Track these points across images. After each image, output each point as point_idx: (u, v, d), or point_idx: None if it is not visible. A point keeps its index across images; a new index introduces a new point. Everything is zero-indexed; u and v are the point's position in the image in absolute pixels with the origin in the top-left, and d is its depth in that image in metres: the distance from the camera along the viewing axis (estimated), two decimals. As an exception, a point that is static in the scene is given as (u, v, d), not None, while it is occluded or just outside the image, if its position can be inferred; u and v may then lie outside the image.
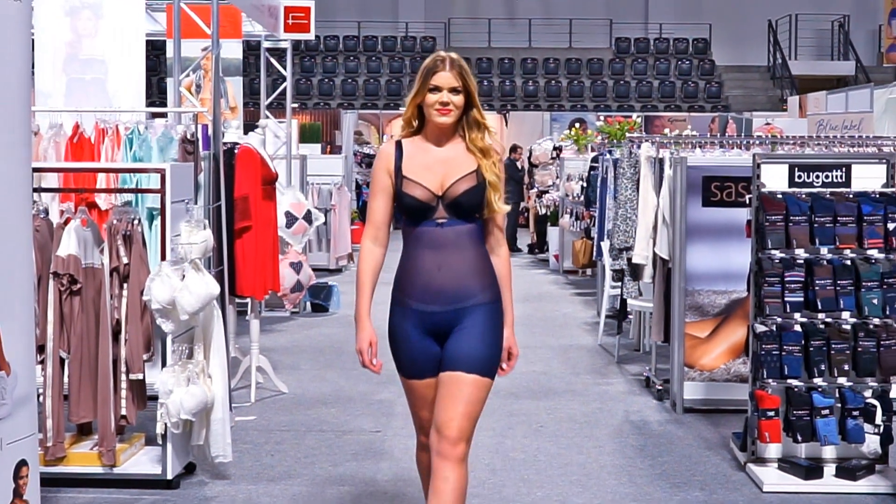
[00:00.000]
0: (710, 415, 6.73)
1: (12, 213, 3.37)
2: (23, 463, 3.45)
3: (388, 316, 3.79)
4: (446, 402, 3.66)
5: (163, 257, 5.16)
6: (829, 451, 5.47)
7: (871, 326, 5.39)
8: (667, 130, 11.19)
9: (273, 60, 11.18)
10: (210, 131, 6.54)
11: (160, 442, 5.21)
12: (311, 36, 10.52)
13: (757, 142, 8.04)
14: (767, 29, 25.80)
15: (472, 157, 3.73)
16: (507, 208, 3.84)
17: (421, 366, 3.77)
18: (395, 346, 3.82)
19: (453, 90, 3.68)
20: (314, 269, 8.89)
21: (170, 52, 7.55)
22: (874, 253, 5.40)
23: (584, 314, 10.89)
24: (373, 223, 3.84)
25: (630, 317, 8.89)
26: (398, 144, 3.80)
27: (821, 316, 5.42)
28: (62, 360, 5.13)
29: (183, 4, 7.11)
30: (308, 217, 8.25)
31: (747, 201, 6.13)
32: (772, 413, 5.39)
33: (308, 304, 10.74)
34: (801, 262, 5.42)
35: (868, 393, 5.38)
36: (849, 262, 5.40)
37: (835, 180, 5.55)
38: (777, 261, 5.43)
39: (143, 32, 7.10)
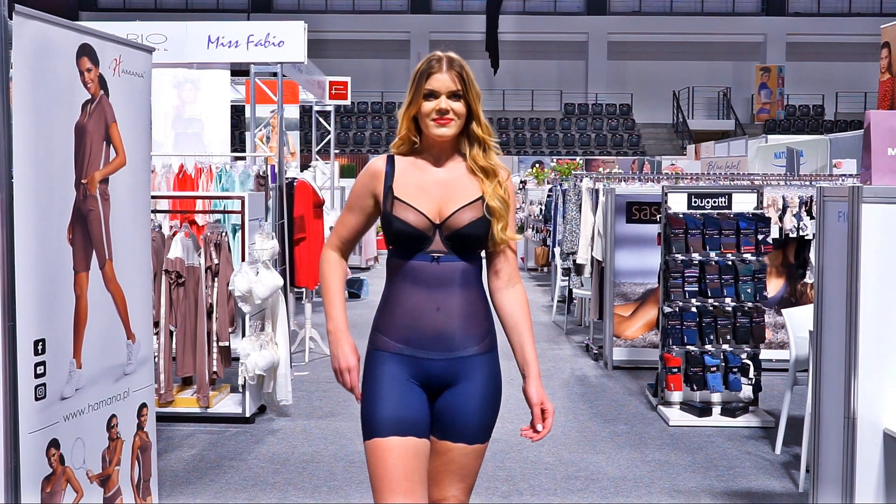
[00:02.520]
0: (632, 371, 6.73)
1: (136, 228, 3.38)
2: (143, 405, 3.45)
3: (365, 364, 2.35)
4: (442, 477, 2.34)
5: (242, 259, 5.17)
6: (716, 397, 5.47)
7: (746, 308, 5.40)
8: (601, 169, 11.19)
9: (321, 119, 11.20)
10: (276, 170, 6.55)
11: (241, 390, 5.22)
12: (347, 101, 10.55)
13: (665, 177, 8.05)
14: (672, 96, 25.85)
15: (474, 178, 2.31)
16: (518, 237, 2.39)
17: (408, 419, 2.24)
18: (373, 396, 2.27)
19: (453, 95, 2.26)
20: (350, 268, 8.89)
21: (248, 113, 7.57)
22: (748, 256, 5.42)
23: (542, 299, 10.89)
24: (339, 235, 2.43)
25: (574, 301, 8.90)
26: (390, 160, 2.34)
27: (710, 300, 5.44)
28: (171, 332, 5.14)
29: (257, 80, 7.13)
30: (346, 230, 8.25)
31: (658, 219, 6.15)
32: (675, 370, 5.41)
33: (346, 292, 10.72)
34: (696, 262, 5.43)
35: (744, 356, 5.39)
36: (730, 263, 5.42)
37: (720, 204, 5.57)
38: (679, 262, 5.44)
39: (229, 99, 7.12)
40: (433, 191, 2.30)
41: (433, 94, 2.27)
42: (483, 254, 2.38)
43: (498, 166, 2.34)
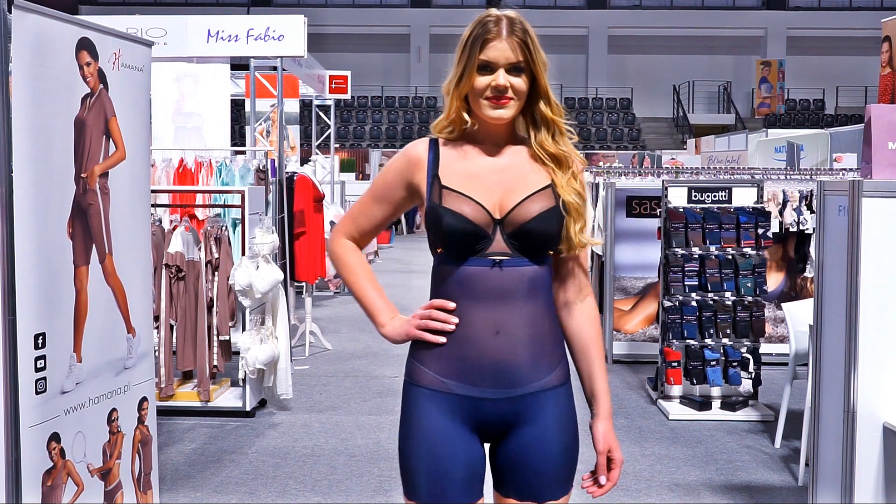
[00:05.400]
0: (632, 365, 6.74)
1: (136, 221, 3.38)
2: (144, 399, 3.46)
3: (403, 403, 1.89)
4: None
5: (243, 253, 5.17)
6: (716, 391, 5.48)
7: (746, 302, 5.41)
8: (601, 163, 11.18)
9: (321, 113, 11.18)
10: (276, 164, 6.54)
11: (241, 384, 5.22)
12: (347, 96, 10.54)
13: (665, 171, 8.04)
14: (672, 91, 25.82)
15: (540, 167, 1.82)
16: (598, 242, 1.75)
17: (455, 479, 1.76)
18: (411, 449, 1.81)
19: (514, 68, 1.76)
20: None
21: (248, 108, 7.56)
22: (748, 250, 5.42)
23: (542, 294, 10.88)
24: (358, 226, 1.96)
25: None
26: (433, 144, 1.85)
27: (710, 295, 5.44)
28: (171, 326, 5.15)
29: (257, 74, 7.12)
30: (346, 225, 8.26)
31: (658, 214, 6.14)
32: (675, 364, 5.42)
33: (346, 287, 10.71)
34: (696, 256, 5.43)
35: (744, 350, 5.40)
36: (730, 257, 5.42)
37: (720, 199, 5.57)
38: (679, 256, 5.44)
39: (229, 94, 7.10)
40: (489, 178, 1.79)
41: (488, 67, 1.76)
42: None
43: (572, 154, 1.84)
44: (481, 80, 1.76)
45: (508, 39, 1.75)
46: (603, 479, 1.84)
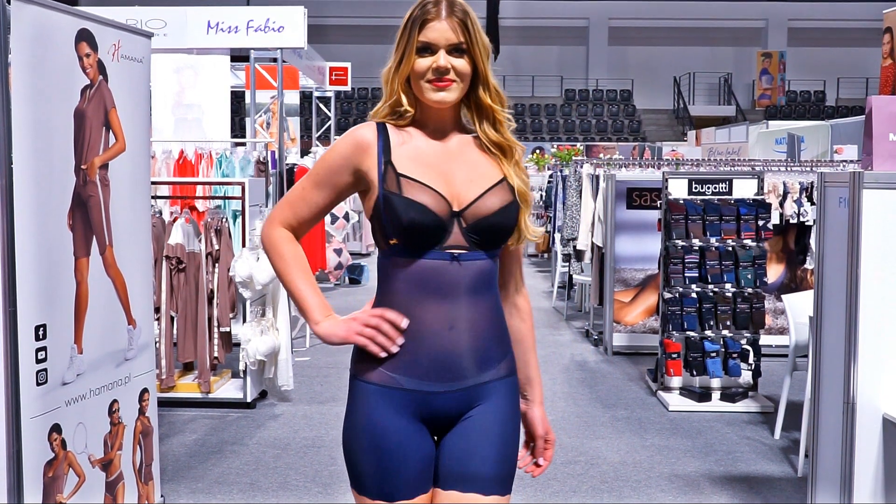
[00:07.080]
0: (632, 356, 6.75)
1: (137, 213, 3.37)
2: (145, 390, 3.46)
3: (350, 399, 1.77)
4: None
5: (243, 244, 5.17)
6: (715, 382, 5.49)
7: (746, 294, 5.41)
8: (601, 155, 11.17)
9: (321, 105, 11.17)
10: (276, 156, 6.54)
11: (242, 375, 5.23)
12: (348, 88, 10.55)
13: (665, 163, 8.03)
14: (673, 82, 25.77)
15: (488, 157, 1.78)
16: (540, 231, 1.75)
17: (410, 475, 1.71)
18: (361, 447, 1.72)
19: (455, 49, 1.71)
20: (350, 254, 8.88)
21: (248, 99, 7.55)
22: (748, 242, 5.42)
23: (543, 285, 10.90)
24: (296, 213, 1.84)
25: (575, 287, 8.90)
26: (381, 128, 1.77)
27: (710, 286, 5.44)
28: (172, 318, 5.15)
29: (257, 65, 7.11)
30: (346, 216, 8.25)
31: (658, 205, 6.13)
32: (675, 355, 5.42)
33: (346, 278, 10.73)
34: (697, 248, 5.43)
35: (744, 341, 5.40)
36: (730, 249, 5.42)
37: (720, 190, 5.56)
38: (679, 247, 5.44)
39: (229, 85, 7.09)
40: (443, 167, 1.73)
41: (429, 49, 1.71)
42: None
43: (514, 142, 1.80)
44: (422, 63, 1.71)
45: (448, 20, 1.70)
46: (542, 461, 1.92)
